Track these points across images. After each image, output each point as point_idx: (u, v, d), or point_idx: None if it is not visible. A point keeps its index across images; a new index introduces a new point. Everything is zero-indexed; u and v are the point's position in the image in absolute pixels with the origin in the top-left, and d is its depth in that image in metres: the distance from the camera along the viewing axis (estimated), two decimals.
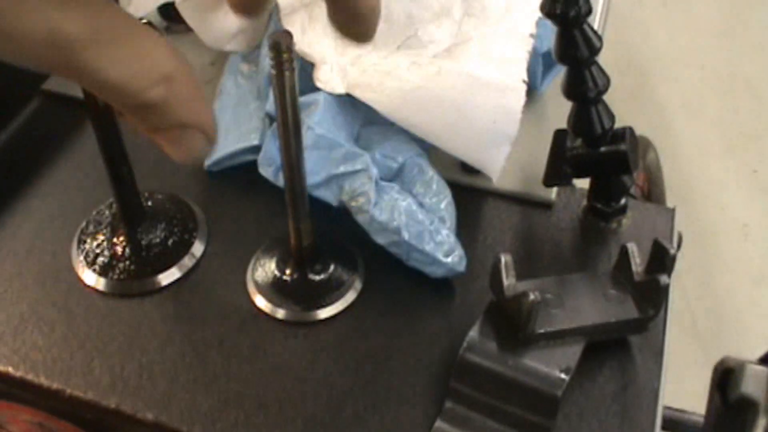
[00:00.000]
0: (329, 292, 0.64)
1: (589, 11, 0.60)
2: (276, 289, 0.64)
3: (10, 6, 0.30)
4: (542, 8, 0.60)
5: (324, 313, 0.63)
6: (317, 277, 0.65)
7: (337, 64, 0.69)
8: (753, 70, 2.92)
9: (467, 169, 0.71)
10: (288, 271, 0.65)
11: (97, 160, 0.66)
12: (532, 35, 0.72)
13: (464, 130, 0.67)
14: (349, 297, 0.64)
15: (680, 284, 2.17)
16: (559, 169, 0.67)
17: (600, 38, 0.61)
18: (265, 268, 0.66)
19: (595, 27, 0.87)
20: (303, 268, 0.64)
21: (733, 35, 3.09)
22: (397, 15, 0.73)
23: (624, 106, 2.67)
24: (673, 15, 3.16)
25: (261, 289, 0.64)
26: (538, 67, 0.77)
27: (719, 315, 2.21)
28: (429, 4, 0.74)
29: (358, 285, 0.65)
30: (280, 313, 0.63)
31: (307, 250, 0.63)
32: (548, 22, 0.62)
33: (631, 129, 0.67)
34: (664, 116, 2.76)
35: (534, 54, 0.74)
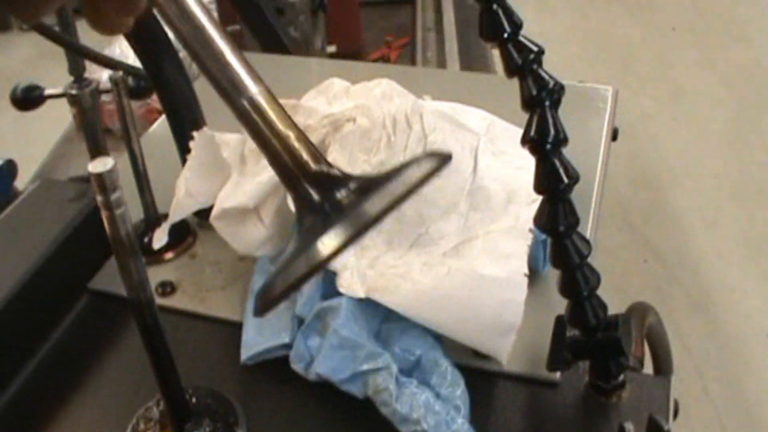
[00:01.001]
0: None
1: (577, 222, 0.68)
2: None
3: None
4: (535, 221, 0.68)
5: None
6: None
7: (356, 269, 0.77)
8: (766, 175, 2.99)
9: (478, 353, 0.79)
10: None
11: (142, 356, 0.73)
12: (531, 230, 0.80)
13: (473, 323, 0.75)
14: None
15: (708, 396, 2.20)
16: (560, 356, 0.74)
17: (588, 243, 0.69)
18: None
19: (600, 151, 0.96)
20: None
21: (743, 141, 3.16)
22: (410, 215, 0.81)
23: (641, 220, 2.76)
24: (683, 126, 3.25)
25: None
26: (540, 252, 0.84)
27: (749, 423, 2.23)
28: (437, 202, 0.82)
29: None
30: None
31: None
32: None
33: (625, 316, 0.74)
34: (681, 227, 2.82)
35: (535, 241, 0.82)
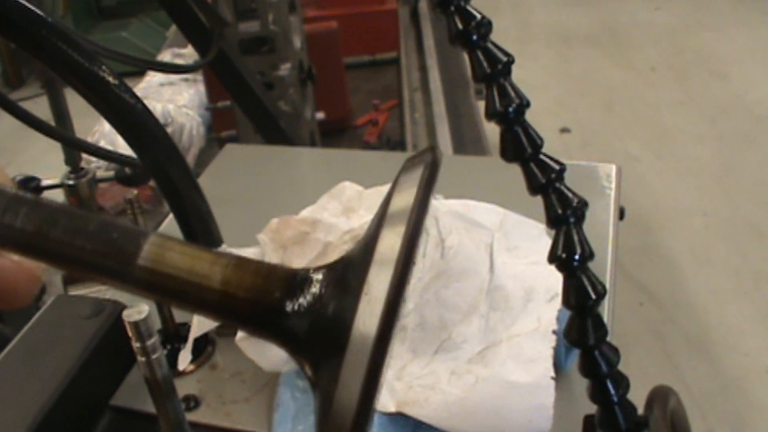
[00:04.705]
0: None
1: (605, 334, 0.68)
2: None
3: None
4: (565, 336, 0.69)
5: None
6: None
7: (384, 382, 0.77)
8: (755, 210, 3.01)
9: None
10: None
11: None
12: (554, 331, 0.81)
13: (504, 430, 0.75)
14: None
15: None
16: None
17: (617, 351, 0.70)
18: None
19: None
20: None
21: (730, 177, 3.19)
22: (431, 321, 0.81)
23: (633, 263, 2.77)
24: (669, 166, 3.28)
25: None
26: (562, 348, 0.85)
27: None
28: (458, 306, 0.83)
29: None
30: None
31: None
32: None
33: (648, 404, 0.74)
34: (674, 267, 2.83)
35: (557, 340, 0.83)
